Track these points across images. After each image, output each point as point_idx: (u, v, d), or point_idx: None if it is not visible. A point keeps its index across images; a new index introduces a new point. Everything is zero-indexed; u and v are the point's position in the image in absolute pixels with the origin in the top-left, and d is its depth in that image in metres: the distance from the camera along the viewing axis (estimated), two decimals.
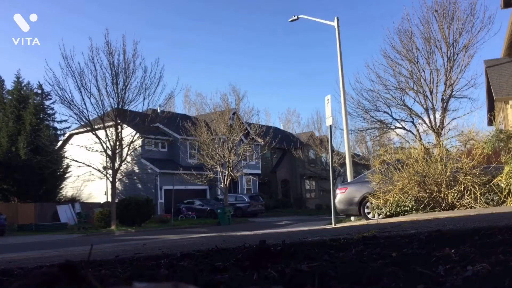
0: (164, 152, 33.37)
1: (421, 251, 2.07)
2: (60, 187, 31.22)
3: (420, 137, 19.31)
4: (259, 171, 37.70)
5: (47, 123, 33.10)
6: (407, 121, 20.30)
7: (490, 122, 16.80)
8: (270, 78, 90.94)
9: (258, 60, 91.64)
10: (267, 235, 7.39)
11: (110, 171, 22.27)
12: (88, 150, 21.84)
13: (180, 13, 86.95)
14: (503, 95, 15.37)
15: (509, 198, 9.69)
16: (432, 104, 18.77)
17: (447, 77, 18.44)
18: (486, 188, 10.09)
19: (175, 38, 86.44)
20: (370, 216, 11.45)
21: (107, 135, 21.76)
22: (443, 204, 10.38)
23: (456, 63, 18.37)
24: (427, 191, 10.63)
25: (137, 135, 23.24)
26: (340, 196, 12.06)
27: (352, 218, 14.02)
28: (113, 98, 21.77)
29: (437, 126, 18.52)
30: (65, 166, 30.13)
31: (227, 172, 26.69)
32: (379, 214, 11.18)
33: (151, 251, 4.18)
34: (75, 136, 32.29)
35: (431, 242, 2.40)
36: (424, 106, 18.96)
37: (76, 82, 21.17)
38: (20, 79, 32.64)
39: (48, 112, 34.30)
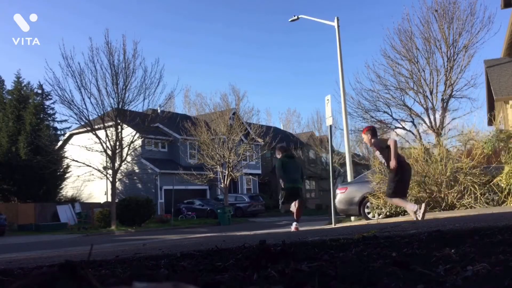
0: (164, 152, 33.39)
1: (421, 251, 2.07)
2: (60, 187, 31.23)
3: (420, 137, 19.28)
4: (259, 171, 37.71)
5: (47, 123, 33.09)
6: (407, 121, 20.29)
7: (490, 122, 16.83)
8: (270, 78, 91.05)
9: (258, 60, 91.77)
10: (267, 235, 7.38)
11: (110, 171, 22.27)
12: (88, 150, 21.85)
13: (180, 13, 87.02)
14: (503, 95, 15.40)
15: (509, 198, 9.69)
16: (432, 104, 18.76)
17: (447, 77, 18.42)
18: (486, 188, 10.09)
19: (175, 38, 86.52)
20: (370, 216, 11.45)
21: (107, 135, 21.76)
22: (443, 204, 10.38)
23: (456, 63, 18.36)
24: (427, 191, 10.63)
25: (137, 135, 23.24)
26: (340, 196, 12.05)
27: (352, 218, 14.01)
28: (113, 98, 21.81)
29: (437, 126, 18.50)
30: (65, 166, 30.15)
31: (227, 172, 26.70)
32: (379, 214, 11.18)
33: (151, 251, 4.17)
34: (75, 136, 32.30)
35: (431, 242, 2.40)
36: (424, 106, 18.95)
37: (76, 82, 21.21)
38: (20, 79, 32.66)
39: (48, 112, 34.31)
